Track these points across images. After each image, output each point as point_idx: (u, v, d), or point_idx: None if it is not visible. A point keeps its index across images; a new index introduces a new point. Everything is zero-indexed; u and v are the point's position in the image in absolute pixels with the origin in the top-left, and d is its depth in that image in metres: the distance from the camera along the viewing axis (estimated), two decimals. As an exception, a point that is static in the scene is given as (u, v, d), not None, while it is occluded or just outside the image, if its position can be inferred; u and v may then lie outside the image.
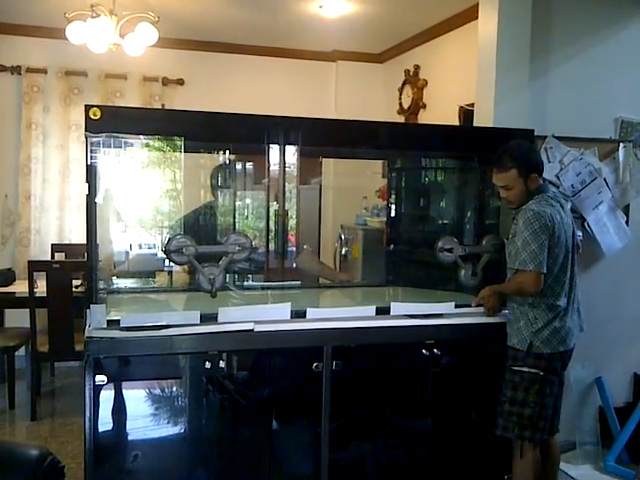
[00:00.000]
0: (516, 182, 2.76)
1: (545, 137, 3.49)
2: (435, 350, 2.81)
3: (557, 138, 3.51)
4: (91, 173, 2.51)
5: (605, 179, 3.60)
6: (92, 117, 2.44)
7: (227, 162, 3.44)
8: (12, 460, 1.51)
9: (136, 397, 2.65)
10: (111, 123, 2.49)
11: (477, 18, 3.64)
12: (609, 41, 3.76)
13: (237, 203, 3.54)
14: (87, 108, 2.45)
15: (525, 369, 2.73)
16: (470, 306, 2.94)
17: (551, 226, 2.66)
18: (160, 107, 5.42)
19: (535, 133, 3.19)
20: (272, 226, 3.05)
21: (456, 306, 2.90)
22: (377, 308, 2.82)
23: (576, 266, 2.84)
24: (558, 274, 2.73)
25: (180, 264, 2.74)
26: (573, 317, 2.80)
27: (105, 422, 2.51)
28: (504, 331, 2.88)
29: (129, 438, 2.64)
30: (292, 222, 3.23)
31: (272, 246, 3.08)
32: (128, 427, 2.63)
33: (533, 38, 3.49)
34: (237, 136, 2.86)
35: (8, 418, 4.29)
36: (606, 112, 3.76)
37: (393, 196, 3.74)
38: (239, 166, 3.54)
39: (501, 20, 3.43)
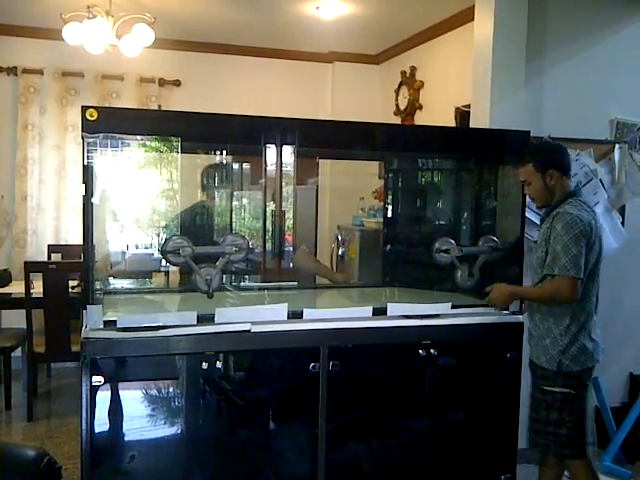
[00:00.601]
0: (533, 177, 2.77)
1: (541, 138, 3.50)
2: (432, 350, 2.82)
3: (553, 139, 3.52)
4: (87, 174, 2.51)
5: (601, 180, 3.61)
6: (89, 118, 2.44)
7: (219, 162, 3.44)
8: (9, 460, 1.51)
9: (133, 398, 2.65)
10: (108, 124, 2.49)
11: (473, 20, 3.65)
12: (605, 42, 3.77)
13: (234, 203, 3.54)
14: (84, 109, 2.44)
15: (556, 389, 2.68)
16: (466, 307, 2.95)
17: (589, 231, 2.61)
18: (157, 108, 5.42)
19: (531, 134, 3.19)
20: (269, 226, 3.05)
21: (453, 307, 2.90)
22: (374, 309, 2.82)
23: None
24: (587, 283, 2.66)
25: (176, 265, 2.74)
26: (597, 330, 2.74)
27: (102, 423, 2.50)
28: (500, 332, 2.89)
29: (126, 439, 2.63)
30: (289, 222, 3.23)
31: (269, 246, 3.08)
32: (125, 428, 2.62)
33: (529, 39, 3.50)
34: (234, 137, 2.86)
35: (4, 419, 4.29)
36: (602, 113, 3.77)
37: (390, 197, 3.75)
38: (236, 166, 3.54)
39: (497, 21, 3.44)
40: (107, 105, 5.22)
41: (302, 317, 2.72)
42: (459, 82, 4.48)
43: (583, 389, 2.73)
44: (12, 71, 5.27)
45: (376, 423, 2.86)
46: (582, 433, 2.74)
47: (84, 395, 2.43)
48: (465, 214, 3.52)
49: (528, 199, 2.99)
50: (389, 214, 3.74)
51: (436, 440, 2.93)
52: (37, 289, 4.10)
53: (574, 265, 2.56)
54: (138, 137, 2.70)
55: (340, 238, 4.90)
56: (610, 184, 3.67)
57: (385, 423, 2.87)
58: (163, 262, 3.09)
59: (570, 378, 2.67)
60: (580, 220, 2.60)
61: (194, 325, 2.56)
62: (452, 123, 4.54)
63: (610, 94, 3.77)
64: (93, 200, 2.53)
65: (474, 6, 3.63)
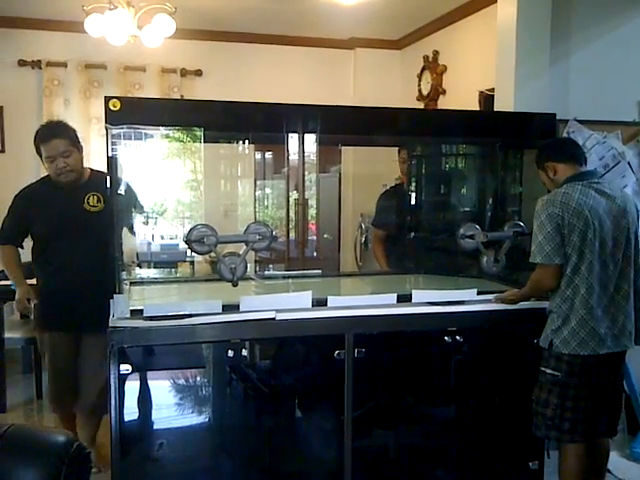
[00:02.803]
0: (541, 176, 2.79)
1: (567, 121, 3.44)
2: (457, 337, 2.80)
3: (579, 122, 3.47)
4: (112, 165, 2.53)
5: (629, 162, 3.55)
6: (112, 108, 2.45)
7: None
8: (39, 445, 1.53)
9: (160, 386, 2.67)
10: (131, 114, 2.50)
11: (496, 2, 3.60)
12: (632, 23, 3.70)
13: (257, 193, 3.55)
14: (107, 99, 2.46)
15: (548, 370, 2.67)
16: (492, 293, 2.92)
17: (559, 213, 2.52)
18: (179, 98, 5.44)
19: (557, 117, 3.14)
20: (292, 215, 3.05)
21: (478, 293, 2.88)
22: (398, 296, 2.81)
23: (621, 262, 2.61)
24: (577, 264, 2.56)
25: (201, 254, 2.75)
26: (604, 320, 2.60)
27: (130, 411, 2.54)
28: (526, 318, 2.86)
29: (154, 427, 2.67)
30: (312, 211, 3.23)
31: (293, 235, 3.08)
32: (153, 416, 2.66)
33: (554, 21, 3.44)
34: (256, 125, 2.86)
35: (36, 407, 4.36)
36: (629, 94, 3.70)
37: (413, 183, 3.72)
38: (259, 155, 3.55)
39: (520, 3, 3.38)
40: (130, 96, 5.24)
41: (327, 305, 2.72)
42: (483, 65, 4.41)
43: (576, 377, 2.63)
44: (36, 64, 5.32)
45: (402, 410, 2.85)
46: (571, 420, 2.66)
47: (112, 384, 2.46)
48: (490, 199, 3.49)
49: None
50: (412, 201, 3.71)
51: (463, 428, 2.92)
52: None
53: (539, 252, 2.56)
54: (161, 127, 2.71)
55: (363, 226, 4.88)
56: (638, 166, 3.60)
57: (411, 410, 2.87)
58: (189, 251, 3.12)
59: (561, 362, 2.63)
60: (548, 205, 2.56)
61: (219, 313, 2.57)
62: (476, 107, 4.48)
63: (638, 74, 3.69)
64: (118, 191, 2.55)
65: (497, -12, 3.57)
